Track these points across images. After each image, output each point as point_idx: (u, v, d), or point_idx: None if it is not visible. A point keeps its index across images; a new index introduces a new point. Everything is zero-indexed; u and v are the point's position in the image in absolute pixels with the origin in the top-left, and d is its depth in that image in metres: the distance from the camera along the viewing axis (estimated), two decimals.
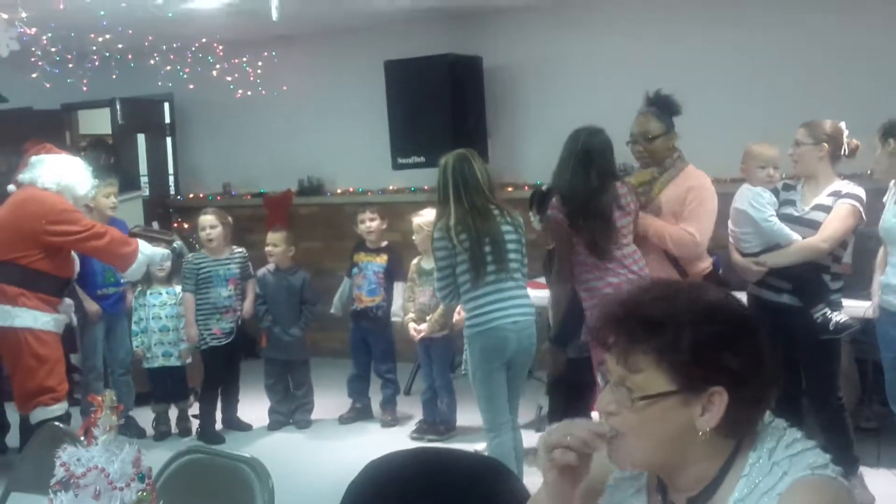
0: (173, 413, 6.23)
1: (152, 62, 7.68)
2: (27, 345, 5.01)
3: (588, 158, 4.19)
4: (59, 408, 5.06)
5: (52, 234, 4.99)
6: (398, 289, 6.12)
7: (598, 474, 1.64)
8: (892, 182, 4.15)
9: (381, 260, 6.16)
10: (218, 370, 6.09)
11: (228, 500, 2.40)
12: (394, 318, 6.13)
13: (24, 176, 5.10)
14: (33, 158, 5.16)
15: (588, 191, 4.16)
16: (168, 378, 6.10)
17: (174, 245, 5.81)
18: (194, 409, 6.22)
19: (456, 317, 5.54)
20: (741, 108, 6.34)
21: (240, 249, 6.21)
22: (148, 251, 5.32)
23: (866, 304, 4.40)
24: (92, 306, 5.96)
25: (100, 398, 1.97)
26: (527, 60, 7.41)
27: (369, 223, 6.20)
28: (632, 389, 1.49)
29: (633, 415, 1.49)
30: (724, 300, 1.55)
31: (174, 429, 6.18)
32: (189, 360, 6.12)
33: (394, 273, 6.13)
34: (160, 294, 6.05)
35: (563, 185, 4.23)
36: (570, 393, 4.73)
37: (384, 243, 6.25)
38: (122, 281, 5.97)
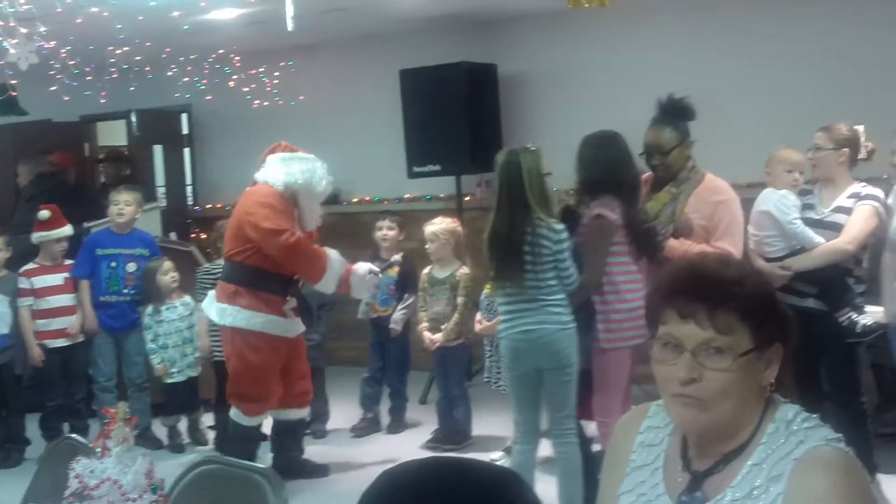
0: (184, 424, 6.21)
1: (170, 74, 7.72)
2: (234, 345, 4.99)
3: (632, 160, 4.21)
4: (256, 420, 5.06)
5: (248, 227, 4.90)
6: (405, 300, 6.10)
7: (622, 446, 1.77)
8: None
9: (393, 272, 6.15)
10: None
11: None
12: (391, 326, 6.09)
13: (257, 174, 5.07)
14: (269, 157, 5.09)
15: (640, 190, 4.20)
16: (181, 390, 6.08)
17: (393, 259, 5.75)
18: (210, 419, 6.22)
19: (478, 326, 5.50)
20: (757, 114, 6.31)
21: None
22: (337, 265, 5.04)
23: (882, 309, 4.36)
24: (89, 321, 6.00)
25: (113, 410, 1.99)
26: (542, 68, 7.41)
27: (387, 231, 6.21)
28: (723, 350, 1.57)
29: (721, 375, 1.56)
30: (756, 268, 1.73)
31: (186, 439, 6.18)
32: (196, 374, 6.09)
33: (405, 285, 6.11)
34: (176, 307, 6.03)
35: (617, 184, 4.14)
36: None
37: (396, 256, 6.19)
38: (124, 291, 6.02)
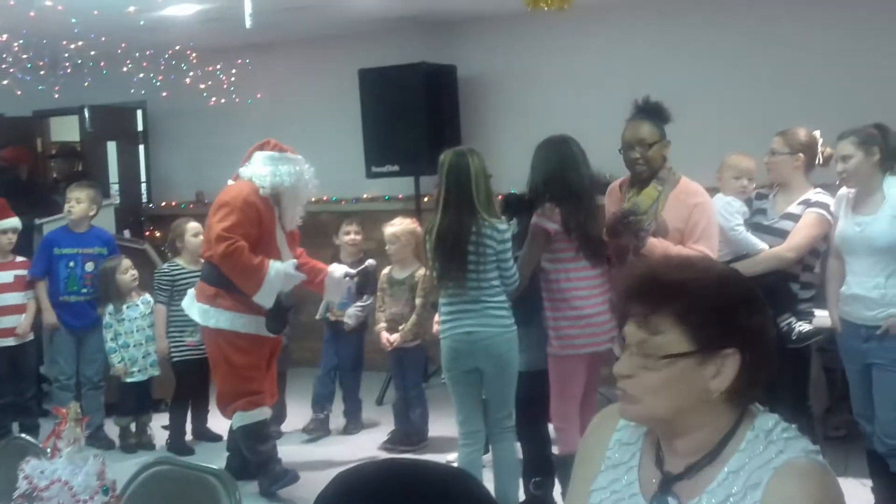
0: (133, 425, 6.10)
1: (125, 70, 7.64)
2: (221, 348, 4.91)
3: (583, 164, 4.22)
4: (260, 412, 4.95)
5: (208, 223, 4.84)
6: (364, 300, 6.05)
7: (597, 442, 1.77)
8: (845, 192, 4.18)
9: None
10: (190, 382, 6.03)
11: None
12: (345, 319, 6.00)
13: (242, 169, 4.97)
14: (256, 154, 4.98)
15: (588, 196, 4.21)
16: (137, 390, 6.01)
17: (367, 264, 5.53)
18: (165, 420, 6.15)
19: (436, 327, 5.46)
20: (716, 117, 6.38)
21: None
22: (278, 281, 4.82)
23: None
24: (48, 317, 5.92)
25: (64, 410, 1.95)
26: (501, 69, 7.43)
27: (354, 236, 6.17)
28: (652, 351, 1.58)
29: (651, 374, 1.59)
30: (733, 271, 1.69)
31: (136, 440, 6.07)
32: (157, 373, 6.04)
33: (364, 286, 6.04)
34: (137, 306, 5.96)
35: (560, 190, 4.16)
36: (524, 407, 4.39)
37: (371, 261, 5.80)
38: (83, 291, 5.95)
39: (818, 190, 4.50)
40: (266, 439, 5.04)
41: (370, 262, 5.56)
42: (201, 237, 5.89)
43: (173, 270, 5.95)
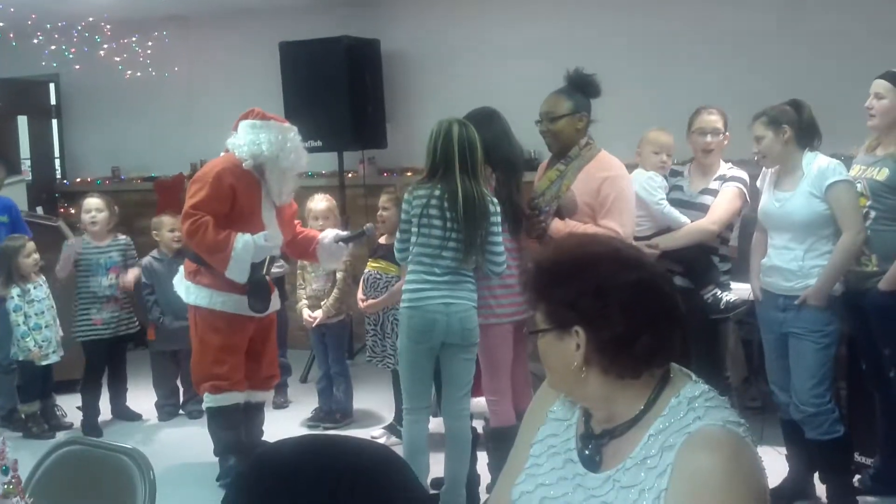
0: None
1: (36, 42, 7.39)
2: (197, 325, 4.76)
3: (509, 138, 4.18)
4: (228, 398, 4.78)
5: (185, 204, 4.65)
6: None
7: (543, 404, 1.86)
8: (769, 169, 4.26)
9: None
10: (100, 361, 5.92)
11: (109, 493, 2.31)
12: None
13: (228, 141, 4.73)
14: (241, 123, 4.73)
15: (518, 168, 4.17)
16: (41, 374, 5.82)
17: (365, 228, 5.17)
18: (77, 400, 5.99)
19: (362, 304, 5.40)
20: (639, 94, 6.40)
21: (123, 237, 6.05)
22: (246, 253, 4.58)
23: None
24: None
25: None
26: (425, 43, 7.38)
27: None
28: (529, 327, 1.74)
29: (540, 347, 1.74)
30: (600, 253, 1.72)
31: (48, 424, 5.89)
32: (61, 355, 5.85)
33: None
34: (41, 286, 5.77)
35: (491, 162, 4.09)
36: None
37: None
38: None
39: (730, 165, 4.61)
40: (230, 427, 4.87)
41: (368, 225, 5.30)
42: (94, 214, 5.84)
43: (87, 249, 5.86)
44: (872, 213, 4.08)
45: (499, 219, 4.00)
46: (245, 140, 4.64)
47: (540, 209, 4.15)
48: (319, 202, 5.68)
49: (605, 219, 4.06)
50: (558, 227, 4.10)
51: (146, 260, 6.05)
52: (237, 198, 4.63)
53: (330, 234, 5.12)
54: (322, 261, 5.17)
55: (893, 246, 4.04)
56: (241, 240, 4.57)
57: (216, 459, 4.98)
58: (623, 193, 4.11)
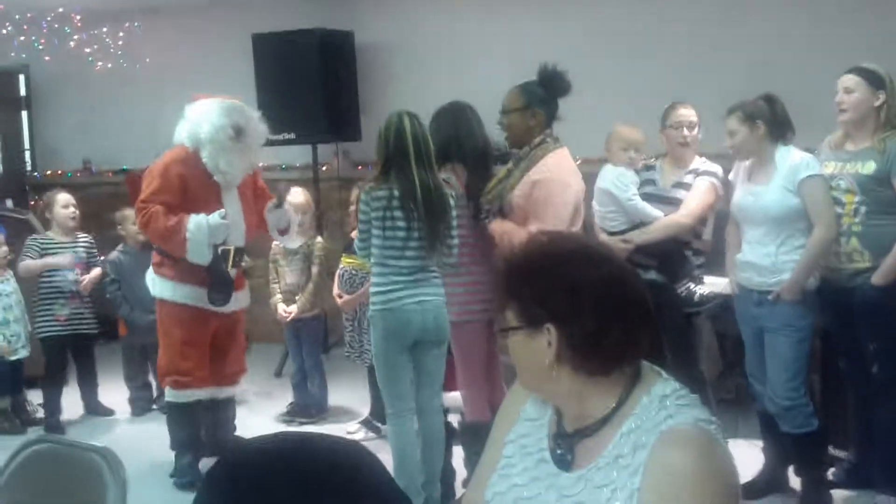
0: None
1: (5, 32, 7.29)
2: (162, 318, 4.73)
3: (477, 131, 4.16)
4: (188, 395, 4.73)
5: None
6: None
7: (515, 403, 1.86)
8: (741, 162, 4.26)
9: None
10: (61, 359, 5.86)
11: (79, 491, 2.27)
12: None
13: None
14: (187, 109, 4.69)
15: (488, 163, 4.17)
16: (11, 370, 5.74)
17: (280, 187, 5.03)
18: (39, 397, 5.92)
19: (338, 300, 5.36)
20: (612, 90, 6.39)
21: (85, 235, 6.01)
22: (201, 234, 4.54)
23: (726, 280, 4.52)
24: None
25: None
26: (399, 36, 7.34)
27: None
28: (499, 325, 1.74)
29: (511, 346, 1.73)
30: (563, 250, 1.70)
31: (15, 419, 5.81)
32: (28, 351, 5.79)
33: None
34: (9, 280, 5.71)
35: (458, 155, 4.10)
36: None
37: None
38: None
39: (704, 159, 4.62)
40: (187, 424, 4.83)
41: (282, 185, 5.22)
42: (73, 210, 5.80)
43: (44, 243, 5.80)
44: (863, 209, 4.02)
45: (455, 212, 3.98)
46: (184, 125, 4.67)
47: (481, 208, 4.13)
48: (297, 196, 5.64)
49: (529, 221, 3.96)
50: (494, 227, 4.07)
51: (113, 255, 6.00)
52: (188, 186, 4.62)
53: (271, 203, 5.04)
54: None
55: (887, 240, 3.96)
56: (194, 220, 4.56)
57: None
58: (550, 198, 3.96)
